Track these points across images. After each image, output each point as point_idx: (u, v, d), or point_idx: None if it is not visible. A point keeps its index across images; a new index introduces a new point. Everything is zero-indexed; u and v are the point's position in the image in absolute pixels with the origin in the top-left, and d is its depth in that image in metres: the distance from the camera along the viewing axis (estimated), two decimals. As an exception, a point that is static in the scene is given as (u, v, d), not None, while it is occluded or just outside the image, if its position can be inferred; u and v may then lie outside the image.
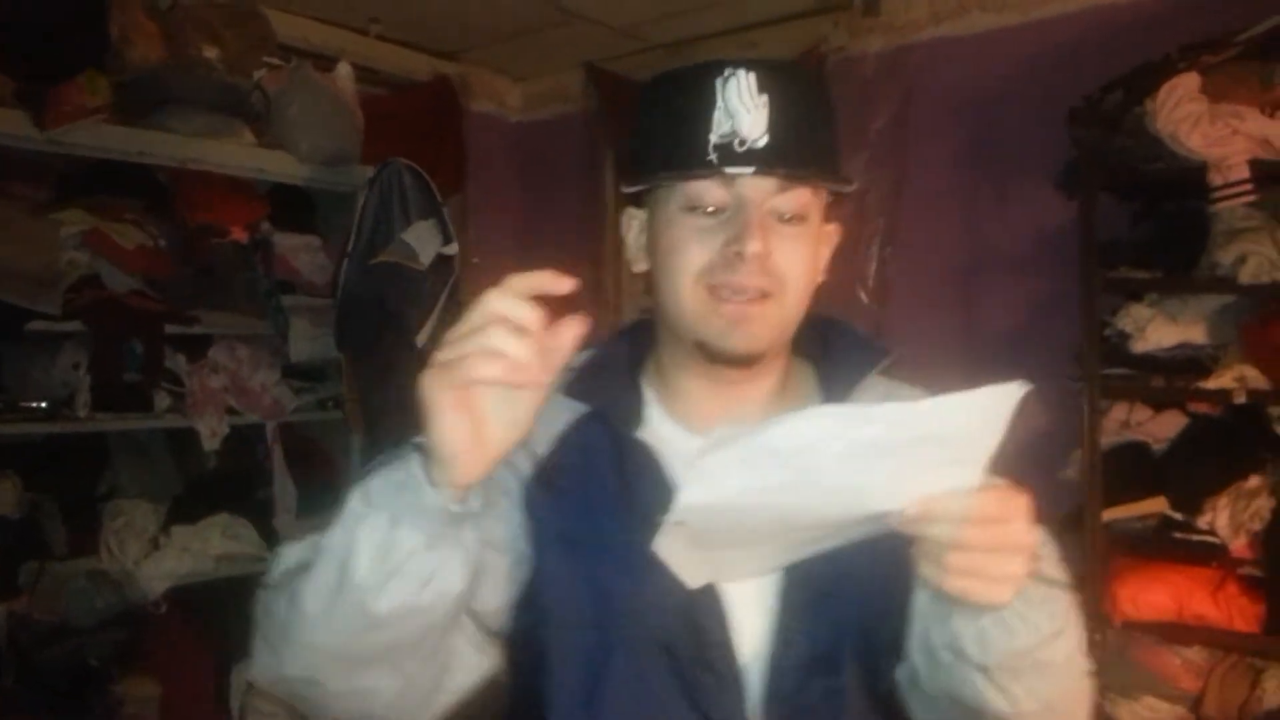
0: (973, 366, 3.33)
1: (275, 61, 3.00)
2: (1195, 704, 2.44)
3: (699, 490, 0.76)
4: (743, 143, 0.90)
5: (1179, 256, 2.47)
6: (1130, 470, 2.50)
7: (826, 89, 1.00)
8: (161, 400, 2.82)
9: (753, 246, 0.90)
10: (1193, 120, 2.30)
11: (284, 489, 2.99)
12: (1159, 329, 2.47)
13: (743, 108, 0.90)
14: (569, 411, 1.00)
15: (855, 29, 3.32)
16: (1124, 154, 2.46)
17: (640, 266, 1.02)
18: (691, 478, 0.76)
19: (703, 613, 0.93)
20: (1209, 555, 2.38)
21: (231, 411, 2.93)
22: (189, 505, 2.89)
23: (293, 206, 3.18)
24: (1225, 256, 2.36)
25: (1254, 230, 2.34)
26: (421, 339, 2.63)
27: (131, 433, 2.92)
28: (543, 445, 0.99)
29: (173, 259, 2.83)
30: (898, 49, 3.24)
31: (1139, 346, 2.48)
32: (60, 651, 2.71)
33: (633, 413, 1.02)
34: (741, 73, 0.91)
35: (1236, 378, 2.33)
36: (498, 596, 0.94)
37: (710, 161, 0.90)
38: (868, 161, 3.20)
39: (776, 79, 0.92)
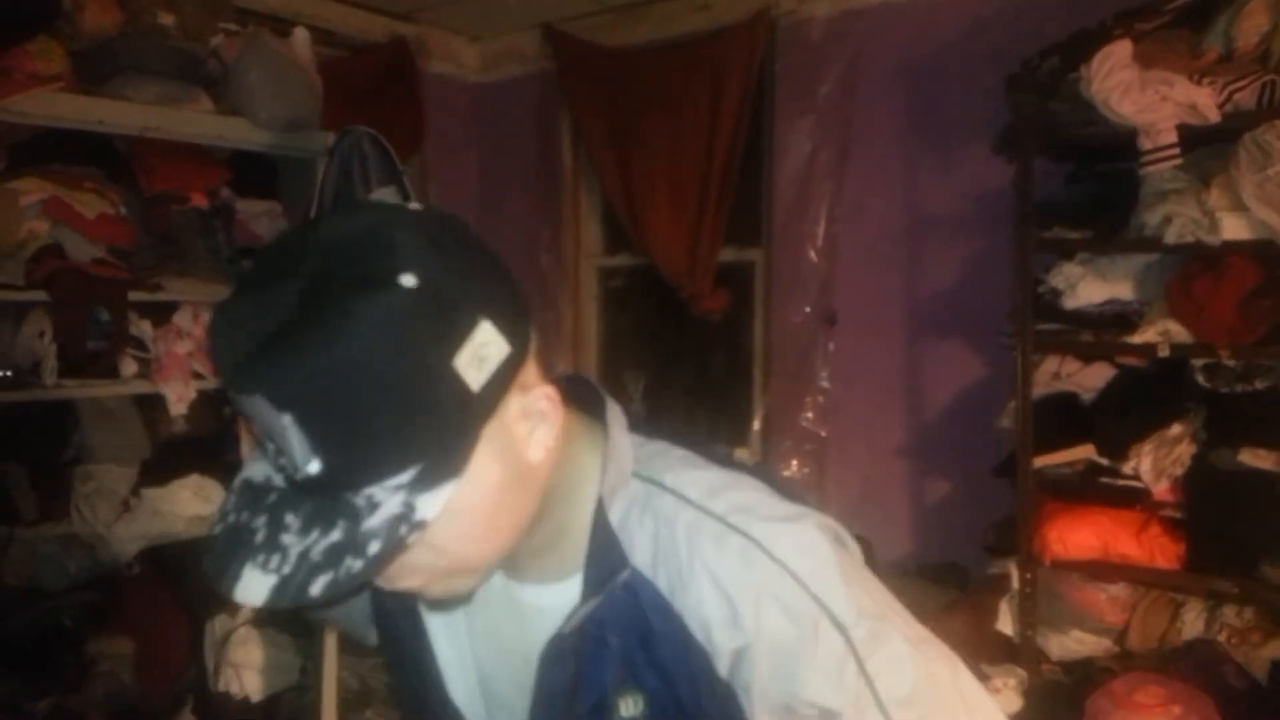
0: (915, 322, 3.47)
1: (232, 27, 2.99)
2: (1120, 636, 2.60)
3: None
4: (296, 470, 0.67)
5: (1110, 217, 2.56)
6: (1060, 419, 2.62)
7: (387, 341, 0.63)
8: (128, 366, 2.83)
9: None
10: (1124, 88, 2.38)
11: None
12: (1089, 286, 2.58)
13: (268, 439, 0.67)
14: None
15: (804, -7, 3.38)
16: (1059, 118, 2.54)
17: None
18: None
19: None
20: (1133, 498, 2.52)
21: (198, 376, 2.97)
22: (159, 468, 2.92)
23: (254, 172, 3.18)
24: (1152, 217, 2.45)
25: (1180, 192, 2.44)
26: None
27: (99, 398, 2.94)
28: None
29: (135, 226, 2.84)
30: (844, 13, 3.31)
31: (1070, 303, 2.59)
32: (32, 614, 2.77)
33: None
34: (248, 398, 0.65)
35: (1160, 332, 2.45)
36: None
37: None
38: (815, 125, 3.28)
39: (296, 387, 0.63)
